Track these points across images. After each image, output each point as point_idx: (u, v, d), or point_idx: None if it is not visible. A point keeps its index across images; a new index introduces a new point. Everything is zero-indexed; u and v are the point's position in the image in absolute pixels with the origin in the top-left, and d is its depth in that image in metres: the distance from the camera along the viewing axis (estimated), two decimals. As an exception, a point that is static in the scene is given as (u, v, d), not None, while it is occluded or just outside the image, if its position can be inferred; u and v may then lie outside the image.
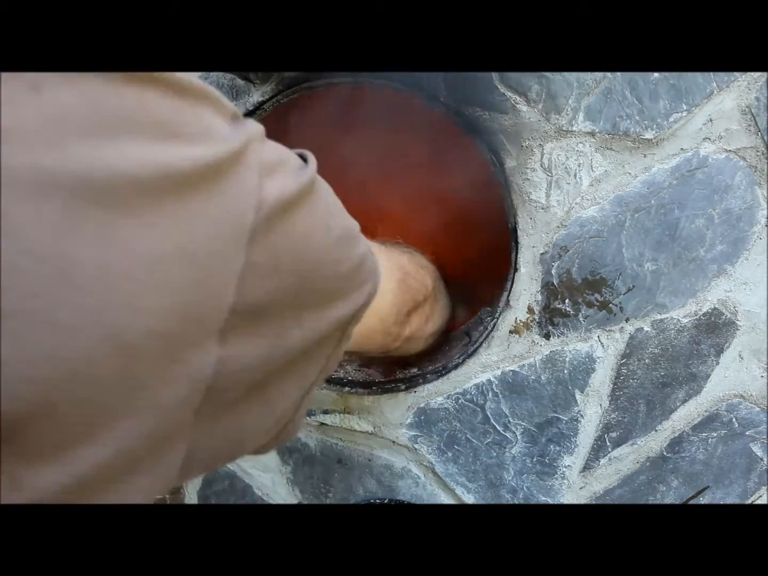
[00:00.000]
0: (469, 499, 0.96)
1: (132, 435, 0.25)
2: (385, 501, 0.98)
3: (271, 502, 1.06)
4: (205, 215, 0.26)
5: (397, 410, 0.94)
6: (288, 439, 0.40)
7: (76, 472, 0.23)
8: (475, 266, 1.15)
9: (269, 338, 0.30)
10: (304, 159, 0.36)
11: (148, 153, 0.25)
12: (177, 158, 0.26)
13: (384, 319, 0.58)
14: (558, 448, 0.90)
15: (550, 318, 0.85)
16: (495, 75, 0.74)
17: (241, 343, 0.28)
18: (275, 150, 0.31)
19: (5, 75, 0.22)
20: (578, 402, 0.87)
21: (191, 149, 0.27)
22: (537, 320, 0.86)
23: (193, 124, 0.28)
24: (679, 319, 0.83)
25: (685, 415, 0.88)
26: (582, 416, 0.88)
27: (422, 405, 0.93)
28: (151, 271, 0.24)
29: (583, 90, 0.73)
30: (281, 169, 0.31)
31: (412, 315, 0.69)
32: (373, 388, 0.94)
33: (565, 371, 0.86)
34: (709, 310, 0.82)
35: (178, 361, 0.25)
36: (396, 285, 0.60)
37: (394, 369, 0.98)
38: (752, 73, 0.72)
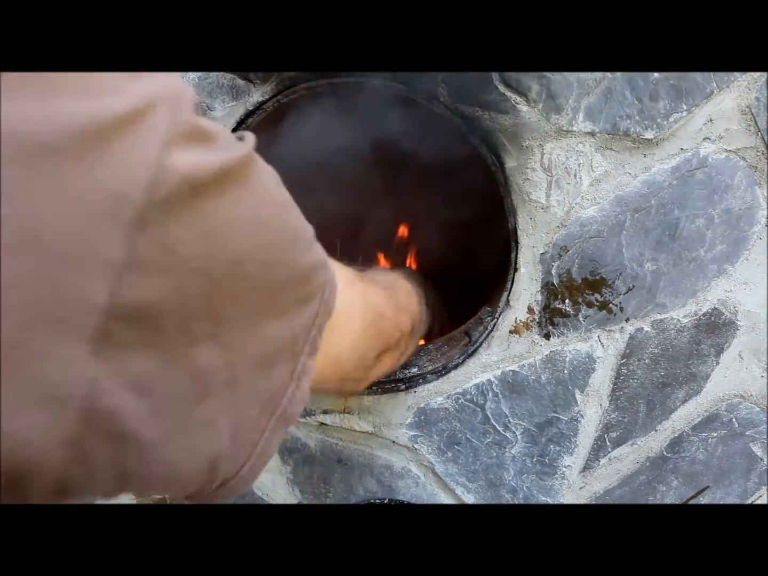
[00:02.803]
0: (469, 499, 0.96)
1: None
2: (385, 501, 0.98)
3: (271, 502, 1.06)
4: (68, 191, 0.20)
5: (397, 410, 0.94)
6: (241, 489, 0.32)
7: None
8: (475, 265, 1.15)
9: (167, 353, 0.24)
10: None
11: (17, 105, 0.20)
12: (46, 114, 0.20)
13: (341, 363, 0.46)
14: (558, 448, 0.90)
15: (550, 318, 0.85)
16: (495, 75, 0.74)
17: (127, 357, 0.22)
18: (197, 119, 0.25)
19: None
20: (578, 402, 0.87)
21: (68, 102, 0.21)
22: (537, 320, 0.86)
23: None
24: (679, 319, 0.83)
25: (685, 415, 0.88)
26: (582, 416, 0.88)
27: (422, 405, 0.93)
28: None
29: (583, 90, 0.73)
30: (200, 142, 0.24)
31: (384, 356, 0.59)
32: (373, 388, 0.94)
33: (565, 371, 0.86)
34: (709, 310, 0.82)
35: (29, 375, 0.20)
36: (363, 328, 0.48)
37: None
38: (752, 73, 0.72)
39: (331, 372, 0.44)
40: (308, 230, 0.34)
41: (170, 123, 0.23)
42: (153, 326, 0.23)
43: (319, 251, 0.35)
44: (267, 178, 0.30)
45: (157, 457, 0.26)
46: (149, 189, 0.22)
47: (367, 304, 0.50)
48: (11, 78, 0.20)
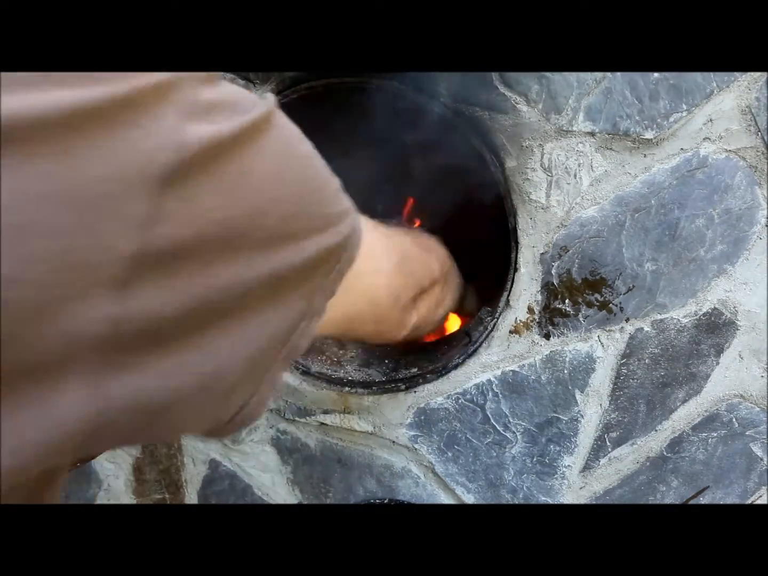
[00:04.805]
0: (469, 499, 0.96)
1: None
2: (385, 501, 0.98)
3: (271, 502, 1.06)
4: (104, 155, 0.23)
5: (397, 410, 0.94)
6: (249, 420, 0.34)
7: None
8: (475, 266, 1.15)
9: (187, 284, 0.27)
10: None
11: (63, 95, 0.23)
12: (86, 94, 0.23)
13: (376, 303, 0.51)
14: (558, 448, 0.90)
15: (550, 318, 0.85)
16: (495, 75, 0.74)
17: (150, 294, 0.25)
18: (220, 91, 0.28)
19: None
20: (578, 402, 0.87)
21: (92, 85, 0.24)
22: (537, 320, 0.86)
23: None
24: (679, 319, 0.83)
25: (685, 415, 0.88)
26: (582, 416, 0.88)
27: (422, 405, 0.93)
28: (21, 212, 0.21)
29: (583, 90, 0.73)
30: (218, 113, 0.27)
31: (420, 301, 0.64)
32: (373, 388, 0.94)
33: (565, 371, 0.86)
34: (709, 310, 0.82)
35: (57, 314, 0.23)
36: (392, 267, 0.53)
37: (394, 369, 0.98)
38: (752, 73, 0.72)
39: (369, 312, 0.50)
40: (333, 182, 0.36)
41: (188, 96, 0.26)
42: (175, 265, 0.26)
43: (344, 201, 0.37)
44: (288, 133, 0.32)
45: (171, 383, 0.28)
46: (172, 156, 0.25)
47: (392, 244, 0.55)
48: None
